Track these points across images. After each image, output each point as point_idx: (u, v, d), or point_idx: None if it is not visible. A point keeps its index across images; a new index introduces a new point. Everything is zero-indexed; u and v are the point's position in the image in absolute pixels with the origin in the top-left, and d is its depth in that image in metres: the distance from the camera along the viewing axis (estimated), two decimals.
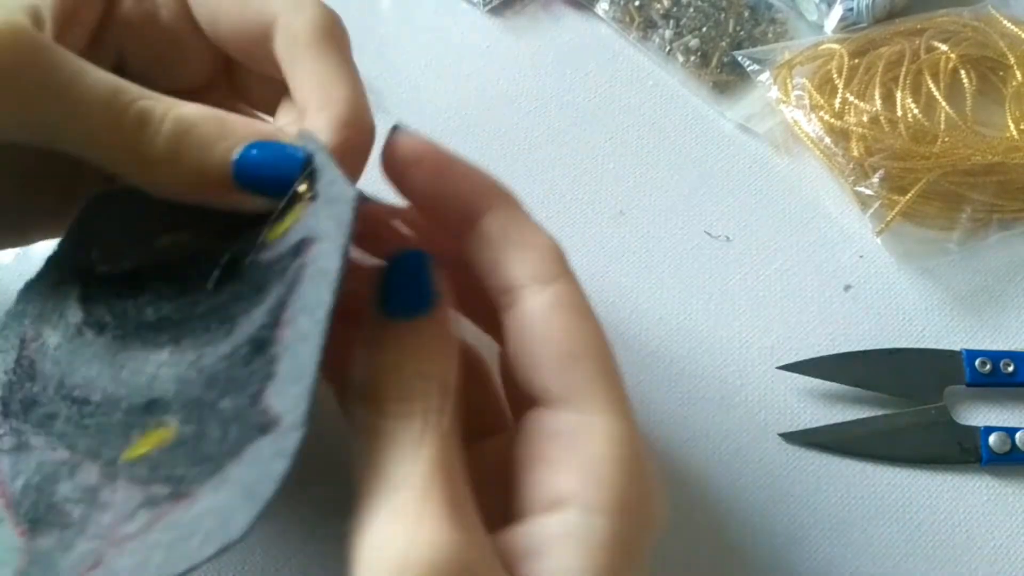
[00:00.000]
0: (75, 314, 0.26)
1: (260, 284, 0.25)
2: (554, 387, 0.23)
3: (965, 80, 0.41)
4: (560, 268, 0.25)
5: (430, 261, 0.24)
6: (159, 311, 0.26)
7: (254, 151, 0.25)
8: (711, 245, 0.39)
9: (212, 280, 0.26)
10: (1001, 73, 0.43)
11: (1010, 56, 0.42)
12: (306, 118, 0.27)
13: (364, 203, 0.23)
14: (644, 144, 0.42)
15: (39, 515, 0.23)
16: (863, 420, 0.35)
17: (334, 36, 0.27)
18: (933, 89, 0.41)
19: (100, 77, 0.25)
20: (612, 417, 0.23)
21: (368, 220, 0.24)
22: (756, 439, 0.35)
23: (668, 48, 0.44)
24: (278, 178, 0.25)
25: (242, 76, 0.31)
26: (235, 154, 0.25)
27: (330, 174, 0.25)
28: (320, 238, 0.24)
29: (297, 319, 0.23)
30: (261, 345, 0.23)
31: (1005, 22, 0.43)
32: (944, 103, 0.40)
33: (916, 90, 0.41)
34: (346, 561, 0.21)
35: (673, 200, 0.40)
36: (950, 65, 0.42)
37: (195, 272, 0.26)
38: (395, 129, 0.26)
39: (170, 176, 0.25)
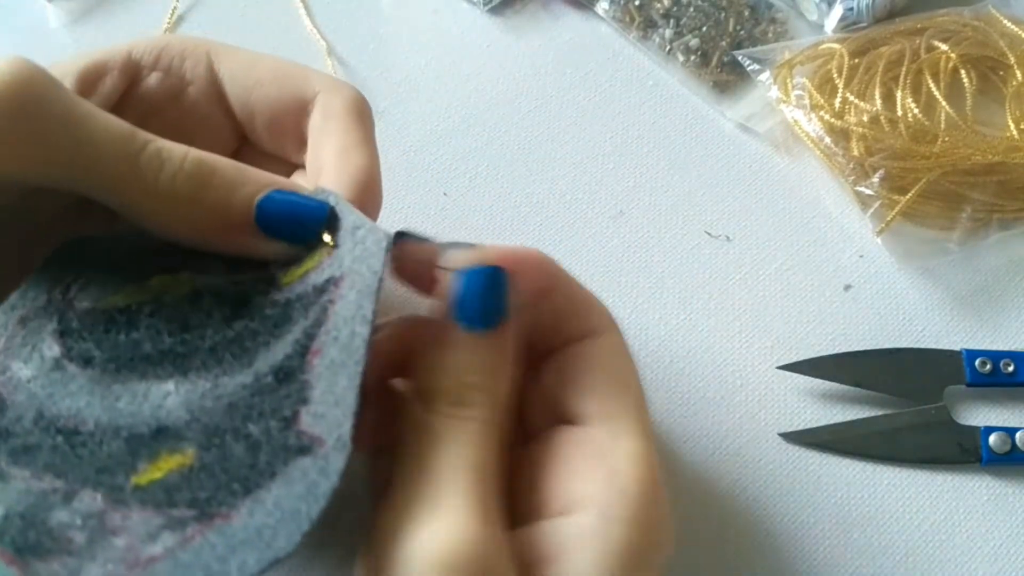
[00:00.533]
0: (52, 348, 0.26)
1: (279, 320, 0.25)
2: (596, 409, 0.25)
3: (965, 80, 0.41)
4: (613, 322, 0.27)
5: (507, 279, 0.25)
6: (158, 345, 0.26)
7: (278, 196, 0.26)
8: (711, 245, 0.39)
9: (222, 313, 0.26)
10: (1001, 73, 0.43)
11: (1010, 56, 0.42)
12: (323, 174, 0.28)
13: (401, 240, 0.25)
14: (644, 144, 0.42)
15: (30, 543, 0.22)
16: (863, 420, 0.35)
17: (363, 113, 0.30)
18: (933, 89, 0.41)
19: (114, 120, 0.25)
20: (640, 441, 0.25)
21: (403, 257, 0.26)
22: (756, 439, 0.35)
23: (668, 48, 0.44)
24: (300, 224, 0.26)
25: (250, 159, 0.31)
26: (258, 198, 0.26)
27: (355, 220, 0.26)
28: (349, 276, 0.25)
29: (328, 349, 0.24)
30: (289, 374, 0.24)
31: (1005, 22, 0.43)
32: (944, 103, 0.40)
33: (916, 90, 0.41)
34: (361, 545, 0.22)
35: (673, 200, 0.40)
36: (950, 65, 0.42)
37: (197, 309, 0.27)
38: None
39: (190, 218, 0.26)
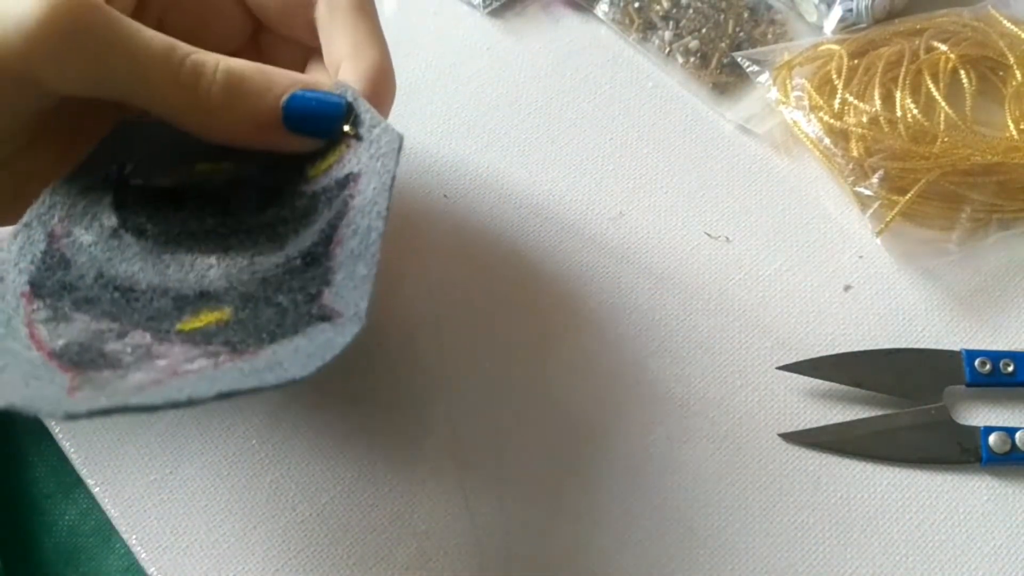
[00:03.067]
0: (109, 218, 0.29)
1: (306, 211, 0.29)
2: None
3: (965, 80, 0.41)
4: None
5: None
6: (203, 224, 0.30)
7: (301, 97, 0.29)
8: (711, 245, 0.39)
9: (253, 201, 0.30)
10: (1001, 73, 0.43)
11: (1010, 56, 0.42)
12: (340, 71, 0.31)
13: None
14: (644, 145, 0.42)
15: (86, 359, 0.25)
16: (863, 420, 0.35)
17: (368, 6, 0.32)
18: (933, 89, 0.41)
19: (155, 34, 0.28)
20: None
21: None
22: (756, 439, 0.35)
23: (668, 49, 0.44)
24: (323, 120, 0.29)
25: (269, 42, 0.35)
26: (284, 100, 0.29)
27: (371, 118, 0.29)
28: (366, 173, 0.28)
29: (349, 240, 0.27)
30: (315, 259, 0.28)
31: (1005, 22, 0.43)
32: (944, 103, 0.40)
33: (916, 90, 0.41)
34: None
35: (673, 200, 0.40)
36: (950, 65, 0.42)
37: (237, 196, 0.30)
38: None
39: (226, 122, 0.29)
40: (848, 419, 0.35)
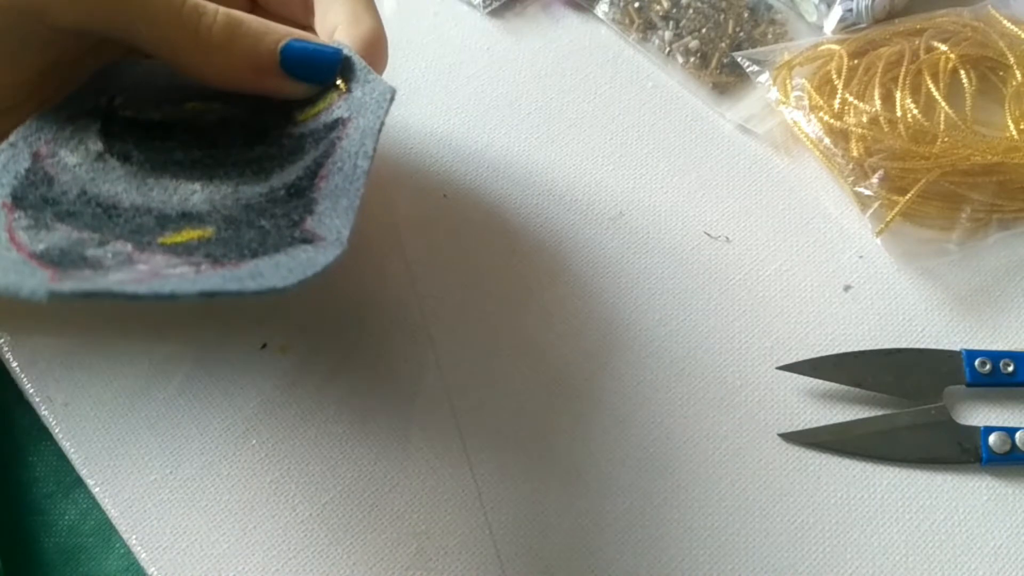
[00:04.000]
0: (96, 144, 0.30)
1: (293, 149, 0.30)
2: None
3: (965, 80, 0.41)
4: None
5: None
6: (189, 155, 0.30)
7: (298, 44, 0.30)
8: (711, 245, 0.39)
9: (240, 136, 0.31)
10: (1001, 73, 0.43)
11: (1010, 56, 0.42)
12: (335, 35, 0.32)
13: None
14: (644, 145, 0.42)
15: (66, 261, 0.25)
16: (863, 420, 0.35)
17: None
18: (933, 89, 0.41)
19: None
20: None
21: None
22: (756, 439, 0.35)
23: (668, 49, 0.44)
24: (319, 66, 0.30)
25: (262, 6, 0.35)
26: (281, 45, 0.30)
27: (364, 73, 0.30)
28: (355, 118, 0.29)
29: (334, 176, 0.28)
30: (299, 191, 0.28)
31: (1005, 22, 0.43)
32: (944, 103, 0.40)
33: (916, 90, 0.41)
34: None
35: (673, 200, 0.40)
36: (950, 65, 0.42)
37: (224, 132, 0.31)
38: None
39: (225, 63, 0.30)
40: (848, 419, 0.35)
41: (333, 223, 0.26)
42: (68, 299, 0.21)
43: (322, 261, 0.24)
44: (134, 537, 0.32)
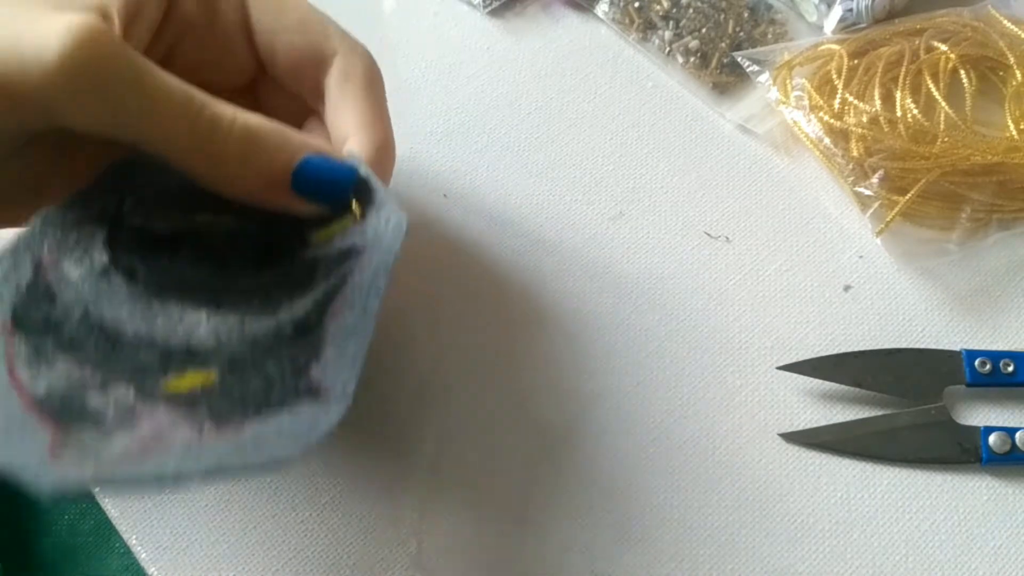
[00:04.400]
0: (101, 255, 0.28)
1: (303, 278, 0.28)
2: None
3: (965, 80, 0.41)
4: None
5: None
6: (197, 275, 0.29)
7: (313, 162, 0.29)
8: (711, 245, 0.39)
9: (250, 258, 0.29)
10: (1001, 73, 0.43)
11: (1010, 56, 0.42)
12: (347, 143, 0.31)
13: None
14: (644, 144, 0.42)
15: (68, 414, 0.24)
16: (863, 420, 0.35)
17: (378, 82, 0.33)
18: (933, 89, 0.41)
19: (175, 81, 0.27)
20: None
21: None
22: (756, 439, 0.35)
23: (668, 49, 0.44)
24: (332, 188, 0.29)
25: (268, 91, 0.34)
26: (295, 163, 0.28)
27: (380, 196, 0.29)
28: (369, 250, 0.28)
29: (343, 315, 0.27)
30: (307, 329, 0.27)
31: (1005, 22, 0.43)
32: (944, 103, 0.40)
33: (916, 90, 0.41)
34: None
35: (673, 200, 0.40)
36: (950, 65, 0.42)
37: (234, 251, 0.30)
38: None
39: (236, 176, 0.28)
40: (848, 419, 0.35)
41: (340, 372, 0.25)
42: (70, 491, 0.21)
43: (325, 424, 0.24)
44: (134, 537, 0.32)
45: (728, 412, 0.35)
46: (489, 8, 0.46)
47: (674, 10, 0.45)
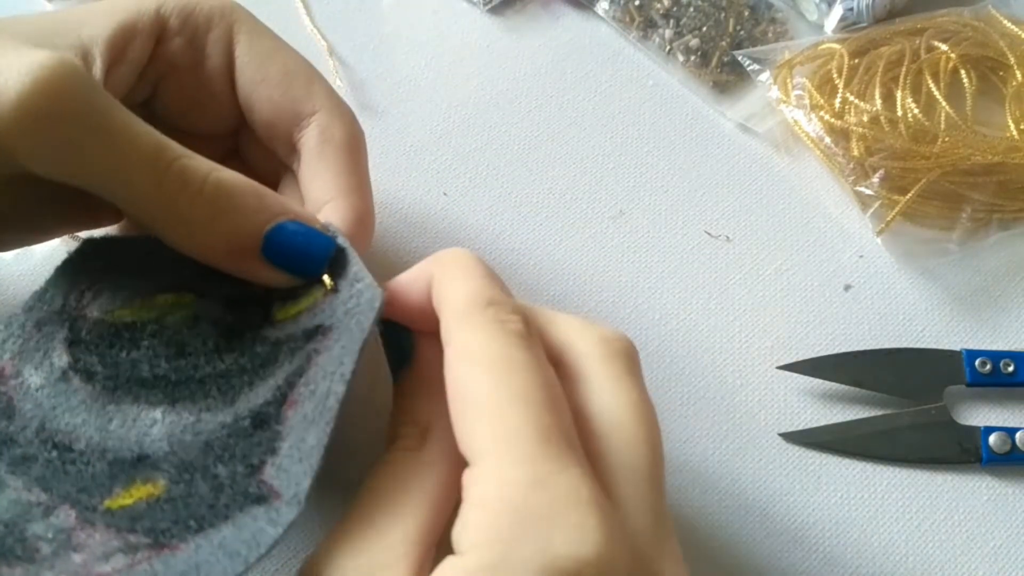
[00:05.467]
0: (61, 358, 0.27)
1: (265, 360, 0.26)
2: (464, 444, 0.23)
3: (965, 80, 0.41)
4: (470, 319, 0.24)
5: (398, 328, 0.27)
6: (155, 369, 0.27)
7: (288, 229, 0.26)
8: (711, 245, 0.39)
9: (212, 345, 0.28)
10: (1001, 73, 0.43)
11: (1010, 56, 0.42)
12: (324, 210, 0.29)
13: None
14: (644, 144, 0.42)
15: (5, 549, 0.24)
16: (863, 420, 0.35)
17: (360, 147, 0.30)
18: (933, 89, 0.41)
19: (145, 130, 0.25)
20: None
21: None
22: (756, 439, 0.35)
23: (668, 48, 0.44)
24: (305, 259, 0.27)
25: (250, 140, 0.32)
26: (268, 228, 0.26)
27: (356, 271, 0.26)
28: (337, 329, 0.25)
29: (304, 403, 0.24)
30: (264, 420, 0.25)
31: (1005, 22, 0.43)
32: (944, 103, 0.40)
33: (916, 90, 0.41)
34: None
35: (673, 200, 0.40)
36: (950, 65, 0.42)
37: (195, 335, 0.28)
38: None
39: (202, 239, 0.26)
40: (848, 419, 0.35)
41: (294, 471, 0.23)
42: None
43: (270, 536, 0.22)
44: None
45: (728, 412, 0.35)
46: (489, 6, 0.45)
47: (675, 8, 0.45)
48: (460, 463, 0.23)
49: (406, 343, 0.27)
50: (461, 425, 0.23)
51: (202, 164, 0.26)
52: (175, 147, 0.26)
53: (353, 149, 0.30)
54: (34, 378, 0.27)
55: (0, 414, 0.26)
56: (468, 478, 0.22)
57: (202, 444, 0.25)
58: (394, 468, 0.25)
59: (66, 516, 0.24)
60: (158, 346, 0.28)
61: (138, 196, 0.25)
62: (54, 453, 0.26)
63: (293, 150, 0.30)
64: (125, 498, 0.25)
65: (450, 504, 0.24)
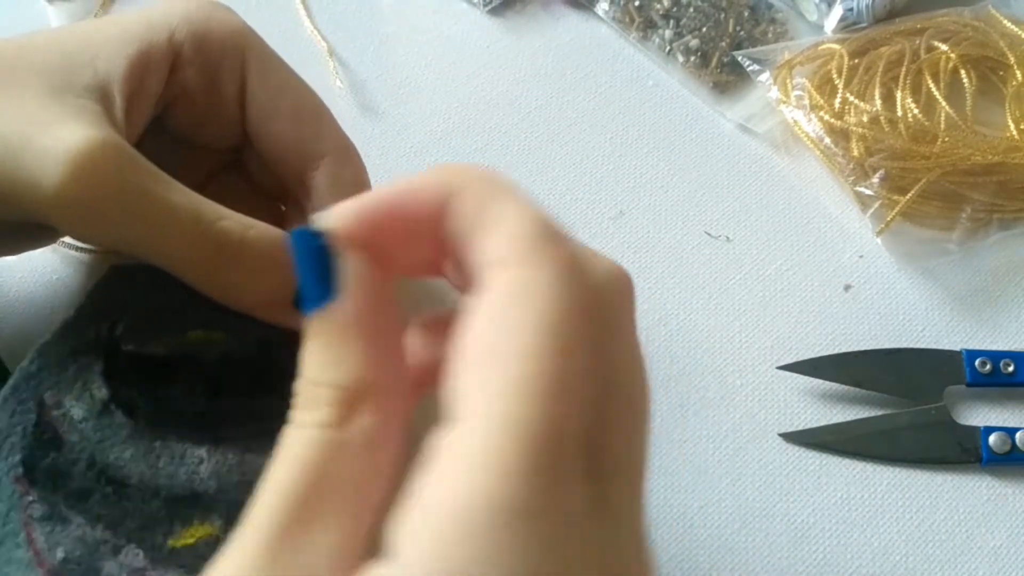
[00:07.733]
0: (100, 389, 0.28)
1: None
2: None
3: (965, 80, 0.41)
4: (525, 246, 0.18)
5: (324, 239, 0.19)
6: (194, 406, 0.28)
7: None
8: (711, 245, 0.39)
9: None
10: (1001, 73, 0.43)
11: (1010, 56, 0.42)
12: None
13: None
14: (644, 144, 0.42)
15: None
16: (863, 420, 0.35)
17: (366, 186, 0.32)
18: (933, 89, 0.41)
19: (182, 201, 0.26)
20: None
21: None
22: (756, 439, 0.35)
23: (668, 48, 0.44)
24: None
25: (252, 156, 0.33)
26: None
27: None
28: None
29: None
30: None
31: (1005, 22, 0.43)
32: (944, 103, 0.40)
33: (916, 90, 0.41)
34: None
35: (673, 200, 0.40)
36: (950, 65, 0.42)
37: (227, 373, 0.28)
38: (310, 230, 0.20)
39: (238, 296, 0.27)
40: (848, 419, 0.35)
41: None
42: None
43: None
44: None
45: (728, 412, 0.35)
46: (489, 7, 0.45)
47: (674, 9, 0.45)
48: (405, 442, 0.19)
49: (332, 271, 0.19)
50: (476, 382, 0.17)
51: (236, 225, 0.27)
52: (211, 210, 0.27)
53: (360, 189, 0.31)
54: (76, 410, 0.27)
55: (48, 444, 0.26)
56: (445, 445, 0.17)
57: (248, 485, 0.25)
58: (309, 458, 0.18)
59: (134, 555, 0.25)
60: (195, 383, 0.28)
61: (176, 262, 0.27)
62: (109, 488, 0.26)
63: (302, 185, 0.31)
64: (187, 538, 0.25)
65: (388, 499, 0.18)
